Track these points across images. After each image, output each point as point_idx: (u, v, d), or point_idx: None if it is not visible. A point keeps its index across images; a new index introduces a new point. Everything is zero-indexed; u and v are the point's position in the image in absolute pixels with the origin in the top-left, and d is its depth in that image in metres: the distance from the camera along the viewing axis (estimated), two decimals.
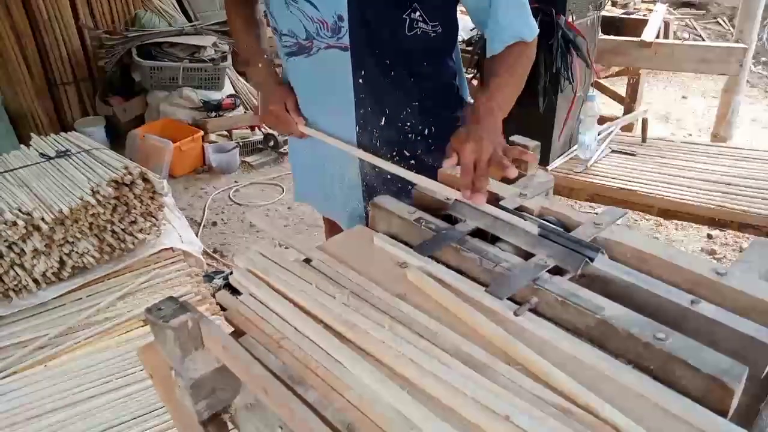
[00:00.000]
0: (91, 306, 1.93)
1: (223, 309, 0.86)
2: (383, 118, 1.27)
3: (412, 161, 1.31)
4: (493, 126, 1.07)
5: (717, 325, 0.70)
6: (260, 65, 1.34)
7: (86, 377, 1.69)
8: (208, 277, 2.51)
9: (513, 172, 0.98)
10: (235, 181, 3.84)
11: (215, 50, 4.26)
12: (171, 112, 4.12)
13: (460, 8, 1.25)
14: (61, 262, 1.95)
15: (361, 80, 1.23)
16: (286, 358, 0.70)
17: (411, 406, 0.61)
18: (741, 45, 3.21)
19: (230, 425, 0.82)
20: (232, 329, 0.82)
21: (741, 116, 3.99)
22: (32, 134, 2.44)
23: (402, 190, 1.26)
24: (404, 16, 1.16)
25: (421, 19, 1.17)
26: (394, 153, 1.30)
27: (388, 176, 1.30)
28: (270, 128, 1.39)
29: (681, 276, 0.78)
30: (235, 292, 0.89)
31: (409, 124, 1.29)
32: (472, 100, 1.41)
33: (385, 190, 1.31)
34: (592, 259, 0.80)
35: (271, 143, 4.14)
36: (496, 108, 1.11)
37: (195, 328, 0.74)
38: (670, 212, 2.37)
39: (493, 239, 0.91)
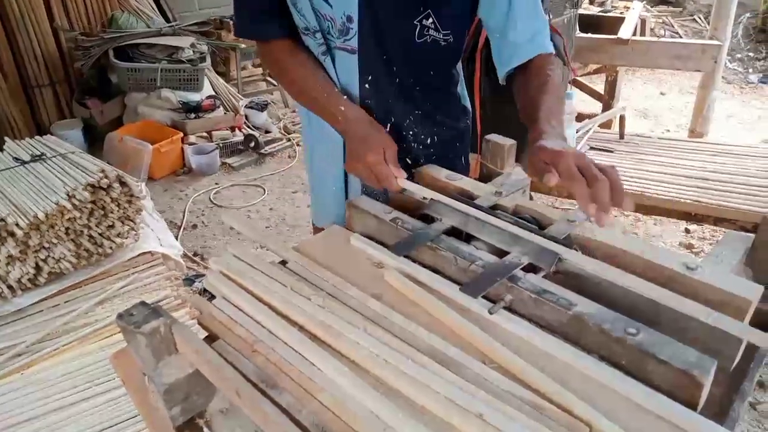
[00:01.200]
0: (68, 312, 1.90)
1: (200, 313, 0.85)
2: (388, 126, 1.22)
3: (413, 170, 1.28)
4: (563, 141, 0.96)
5: (687, 319, 0.70)
6: (343, 108, 1.15)
7: (65, 384, 1.67)
8: (189, 281, 2.49)
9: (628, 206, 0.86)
10: (216, 183, 3.81)
11: (194, 51, 4.22)
12: (149, 114, 4.08)
13: None
14: (37, 268, 1.91)
15: (367, 85, 1.19)
16: (260, 362, 0.70)
17: (384, 407, 0.61)
18: (715, 42, 3.27)
19: (206, 430, 0.81)
20: (206, 334, 0.81)
21: (717, 112, 4.05)
22: (6, 138, 2.40)
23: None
24: (415, 22, 1.12)
25: (433, 26, 1.13)
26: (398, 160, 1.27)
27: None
28: (359, 177, 1.16)
29: (653, 271, 0.79)
30: (212, 297, 0.88)
31: (412, 132, 1.26)
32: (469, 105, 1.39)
33: (385, 201, 1.28)
34: (564, 257, 0.81)
35: (252, 144, 4.12)
36: (560, 127, 1.02)
37: (167, 333, 0.73)
38: (648, 208, 2.40)
39: (468, 237, 0.91)
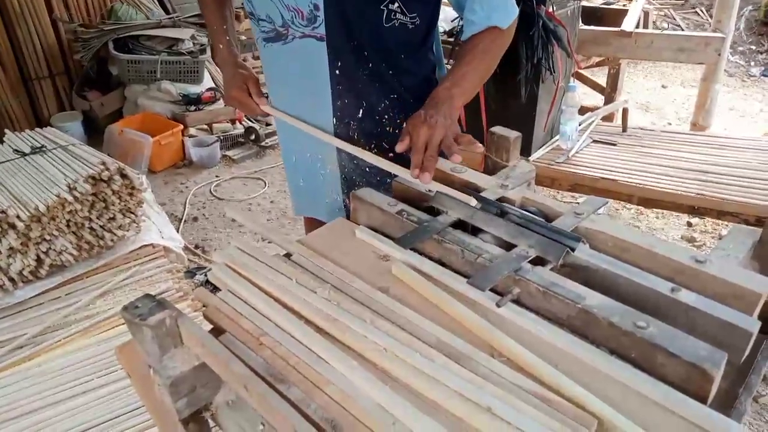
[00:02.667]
0: (70, 304, 1.90)
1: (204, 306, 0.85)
2: (361, 110, 1.25)
3: (391, 154, 1.29)
4: (449, 111, 1.09)
5: (697, 312, 0.70)
6: (221, 46, 1.34)
7: (66, 377, 1.67)
8: (190, 273, 2.48)
9: (456, 158, 1.03)
10: (216, 176, 3.80)
11: (194, 43, 4.20)
12: (149, 106, 4.06)
13: None
14: (39, 261, 1.91)
15: (337, 71, 1.21)
16: (267, 355, 0.69)
17: (393, 401, 0.61)
18: (719, 34, 3.24)
19: (211, 423, 0.80)
20: (212, 326, 0.80)
21: (719, 105, 4.04)
22: (6, 130, 2.39)
23: (381, 182, 1.25)
24: (382, 7, 1.14)
25: (399, 10, 1.15)
26: (373, 145, 1.29)
27: (367, 168, 1.28)
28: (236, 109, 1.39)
29: (661, 264, 0.78)
30: (215, 288, 0.88)
31: (387, 116, 1.28)
32: None
33: (363, 182, 1.30)
34: (573, 249, 0.80)
35: (253, 137, 4.10)
36: (457, 95, 1.13)
37: (173, 326, 0.73)
38: (650, 201, 2.39)
39: (475, 230, 0.90)
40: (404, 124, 1.10)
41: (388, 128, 1.30)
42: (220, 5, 1.36)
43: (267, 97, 1.34)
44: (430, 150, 1.01)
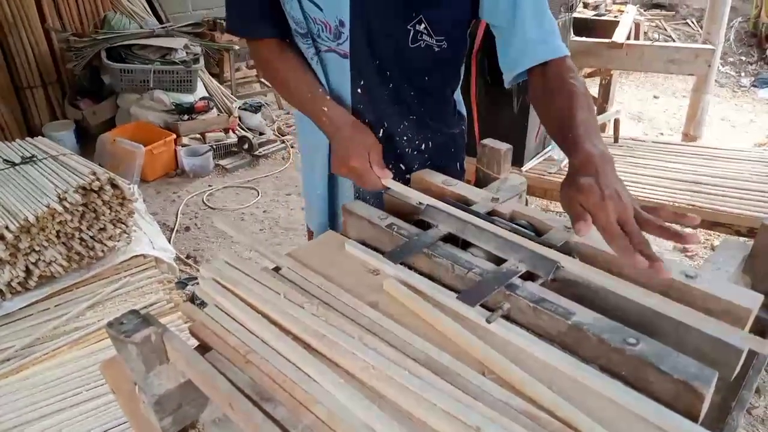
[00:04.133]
0: (59, 316, 1.88)
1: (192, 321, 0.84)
2: (381, 131, 1.21)
3: (407, 175, 1.26)
4: (615, 174, 0.83)
5: (687, 328, 0.70)
6: (326, 108, 1.15)
7: (55, 390, 1.65)
8: (181, 284, 2.46)
9: (694, 239, 0.77)
10: (209, 185, 3.79)
11: (186, 52, 4.20)
12: (142, 115, 4.05)
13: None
14: (27, 272, 1.89)
15: (359, 90, 1.17)
16: (254, 373, 0.68)
17: (380, 420, 0.60)
18: (709, 46, 3.28)
19: None
20: (198, 343, 0.79)
21: (710, 115, 4.07)
22: None
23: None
24: (408, 27, 1.09)
25: (425, 32, 1.10)
26: (391, 166, 1.25)
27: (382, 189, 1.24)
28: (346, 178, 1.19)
29: (651, 279, 0.78)
30: (204, 302, 0.87)
31: (405, 138, 1.24)
32: (464, 112, 1.36)
33: (378, 204, 1.26)
34: (563, 264, 0.80)
35: (246, 146, 4.10)
36: (604, 147, 0.88)
37: (158, 342, 0.72)
38: None
39: (465, 244, 0.90)
40: (572, 203, 0.81)
41: (407, 149, 1.26)
42: (301, 68, 1.19)
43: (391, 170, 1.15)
44: (632, 231, 0.75)
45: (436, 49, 1.14)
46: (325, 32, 1.13)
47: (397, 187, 1.06)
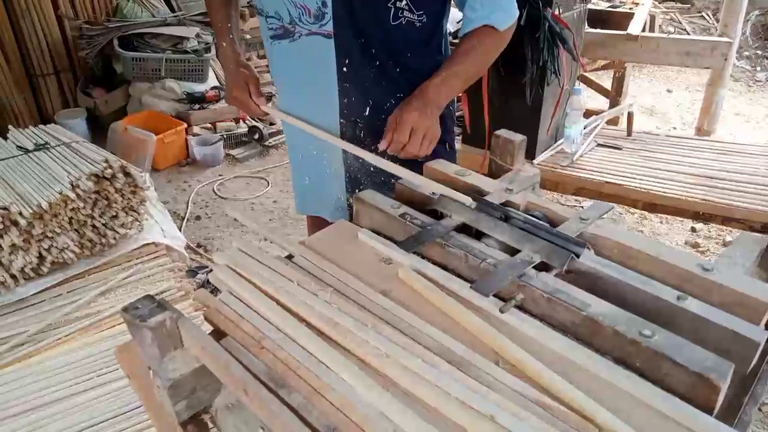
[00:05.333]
0: (71, 302, 1.89)
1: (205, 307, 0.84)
2: (367, 109, 1.25)
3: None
4: (435, 108, 1.14)
5: (703, 321, 0.69)
6: (224, 44, 1.33)
7: (66, 375, 1.66)
8: (192, 272, 2.48)
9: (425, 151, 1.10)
10: (220, 175, 3.80)
11: (198, 41, 4.20)
12: (154, 104, 4.06)
13: None
14: (40, 258, 1.91)
15: (344, 69, 1.21)
16: (268, 359, 0.69)
17: (394, 408, 0.60)
18: (725, 39, 3.23)
19: (211, 425, 0.80)
20: (212, 329, 0.80)
21: (725, 110, 4.02)
22: (10, 126, 2.39)
23: (386, 182, 1.24)
24: (389, 4, 1.14)
25: (407, 8, 1.15)
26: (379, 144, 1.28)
27: (372, 168, 1.28)
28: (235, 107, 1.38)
29: (667, 272, 0.78)
30: (215, 289, 0.87)
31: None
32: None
33: (368, 182, 1.30)
34: (578, 255, 0.79)
35: (256, 136, 4.10)
36: (444, 93, 1.16)
37: (173, 328, 0.72)
38: (655, 206, 2.37)
39: (479, 234, 0.90)
40: (393, 113, 1.13)
41: None
42: (225, 3, 1.35)
43: (270, 98, 1.34)
44: (414, 136, 1.08)
45: (418, 25, 1.19)
46: (305, 15, 1.17)
47: (276, 114, 1.33)
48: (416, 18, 1.17)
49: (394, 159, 1.14)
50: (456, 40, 2.77)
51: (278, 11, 1.21)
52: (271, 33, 1.27)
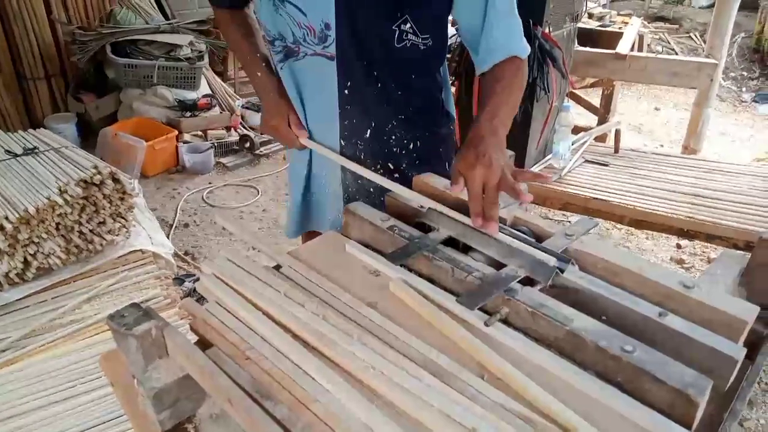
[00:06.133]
0: (56, 308, 1.88)
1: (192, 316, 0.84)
2: (368, 131, 1.24)
3: (396, 175, 1.28)
4: (500, 147, 0.99)
5: (684, 337, 0.70)
6: (259, 74, 1.27)
7: (50, 382, 1.65)
8: (179, 280, 2.47)
9: (528, 198, 0.91)
10: (209, 183, 3.79)
11: (191, 49, 4.20)
12: (145, 111, 4.05)
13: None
14: (26, 263, 1.89)
15: (346, 91, 1.19)
16: (253, 370, 0.69)
17: (378, 420, 0.60)
18: (712, 60, 3.29)
19: None
20: (198, 338, 0.80)
21: (711, 129, 4.09)
22: None
23: (383, 203, 1.23)
24: (394, 27, 1.12)
25: (411, 31, 1.13)
26: (379, 166, 1.27)
27: (371, 189, 1.27)
28: (271, 137, 1.32)
29: (650, 288, 0.79)
30: (202, 298, 0.87)
31: (394, 137, 1.26)
32: (453, 111, 1.39)
33: (367, 203, 1.29)
34: (562, 271, 0.81)
35: (247, 145, 4.10)
36: (500, 127, 1.04)
37: (159, 336, 0.72)
38: (641, 222, 2.40)
39: (465, 248, 0.90)
40: (454, 164, 0.98)
41: (395, 149, 1.28)
42: (247, 34, 1.30)
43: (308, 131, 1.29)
44: (489, 194, 0.90)
45: (422, 48, 1.16)
46: (310, 36, 1.15)
47: (313, 146, 1.25)
48: (421, 41, 1.15)
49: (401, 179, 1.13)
50: (447, 55, 2.79)
51: (281, 32, 1.19)
52: (277, 57, 1.25)
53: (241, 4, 1.30)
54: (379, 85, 1.20)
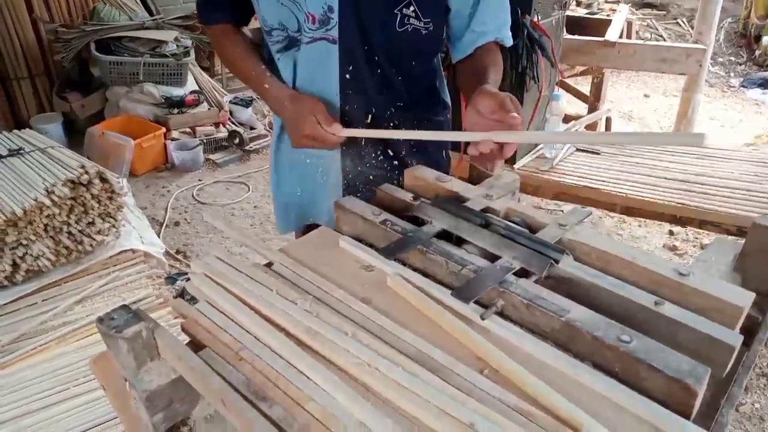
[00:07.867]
0: (46, 311, 1.86)
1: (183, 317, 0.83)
2: (368, 116, 1.24)
3: (395, 161, 1.29)
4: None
5: (680, 325, 0.70)
6: (267, 86, 1.22)
7: (42, 385, 1.63)
8: (171, 279, 2.45)
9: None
10: (199, 180, 3.76)
11: (177, 45, 4.15)
12: (131, 108, 4.01)
13: None
14: (14, 266, 1.87)
15: (348, 75, 1.19)
16: (247, 370, 0.68)
17: (374, 417, 0.60)
18: (700, 46, 3.30)
19: None
20: (189, 339, 0.78)
21: (700, 115, 4.10)
22: None
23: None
24: (396, 11, 1.13)
25: (413, 15, 1.14)
26: (379, 152, 1.28)
27: (371, 176, 1.27)
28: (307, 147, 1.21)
29: (644, 277, 0.78)
30: (193, 298, 0.86)
31: (393, 124, 1.27)
32: (449, 100, 1.39)
33: (365, 189, 1.28)
34: (557, 261, 0.80)
35: (236, 140, 4.07)
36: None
37: (149, 338, 0.71)
38: (633, 210, 2.40)
39: (459, 241, 0.90)
40: (467, 113, 1.01)
41: None
42: (246, 51, 1.26)
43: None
44: (507, 105, 0.95)
45: (423, 32, 1.17)
46: (308, 23, 1.15)
47: (352, 133, 1.16)
48: (422, 25, 1.16)
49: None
50: None
51: (282, 21, 1.18)
52: (276, 48, 1.23)
53: (240, 20, 1.29)
54: (380, 70, 1.20)
